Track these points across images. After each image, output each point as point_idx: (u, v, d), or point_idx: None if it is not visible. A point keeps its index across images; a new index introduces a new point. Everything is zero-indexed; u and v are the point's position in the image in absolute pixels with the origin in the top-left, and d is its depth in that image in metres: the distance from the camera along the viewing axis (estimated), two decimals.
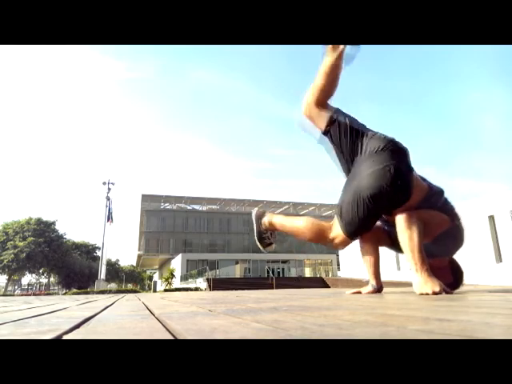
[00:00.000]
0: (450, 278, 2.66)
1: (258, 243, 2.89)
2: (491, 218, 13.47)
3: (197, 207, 51.03)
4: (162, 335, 0.74)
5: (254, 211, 2.93)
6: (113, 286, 55.62)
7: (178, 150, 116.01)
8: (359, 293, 2.76)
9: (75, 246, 54.75)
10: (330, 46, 2.30)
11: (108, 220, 30.10)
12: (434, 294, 2.03)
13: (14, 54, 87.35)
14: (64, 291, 42.85)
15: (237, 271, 38.32)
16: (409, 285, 2.84)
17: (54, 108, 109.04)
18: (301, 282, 25.56)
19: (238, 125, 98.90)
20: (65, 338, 0.75)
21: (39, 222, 47.59)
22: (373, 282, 2.73)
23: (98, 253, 47.72)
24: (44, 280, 57.93)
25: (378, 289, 2.74)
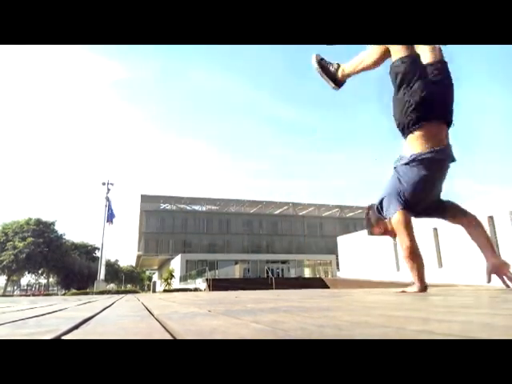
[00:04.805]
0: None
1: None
2: (490, 218, 13.48)
3: (196, 208, 50.98)
4: (162, 335, 0.74)
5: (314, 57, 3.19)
6: (112, 286, 55.57)
7: (177, 150, 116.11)
8: (404, 292, 2.81)
9: (74, 246, 54.65)
10: None
11: (108, 221, 30.08)
12: None
13: (13, 55, 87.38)
14: (63, 292, 42.78)
15: (236, 272, 38.26)
16: (408, 285, 2.85)
17: (54, 109, 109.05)
18: (300, 283, 25.53)
19: (236, 125, 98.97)
20: (64, 338, 0.75)
21: (38, 222, 47.50)
22: (418, 284, 2.75)
23: (98, 253, 47.63)
24: (43, 280, 57.90)
25: (423, 289, 2.77)
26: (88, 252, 56.58)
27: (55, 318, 1.30)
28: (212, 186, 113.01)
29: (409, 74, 2.61)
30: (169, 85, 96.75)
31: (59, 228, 69.52)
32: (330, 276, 34.07)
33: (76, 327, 0.94)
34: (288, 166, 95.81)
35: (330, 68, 3.09)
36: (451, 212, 3.01)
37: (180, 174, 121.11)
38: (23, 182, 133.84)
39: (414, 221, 2.86)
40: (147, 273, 65.42)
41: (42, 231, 46.89)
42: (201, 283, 28.89)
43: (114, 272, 63.49)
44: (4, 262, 42.56)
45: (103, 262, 29.64)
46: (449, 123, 2.73)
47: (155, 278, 58.58)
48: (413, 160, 2.67)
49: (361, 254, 21.35)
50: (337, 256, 27.94)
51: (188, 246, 46.13)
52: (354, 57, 2.97)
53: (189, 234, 47.37)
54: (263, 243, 49.13)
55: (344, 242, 24.55)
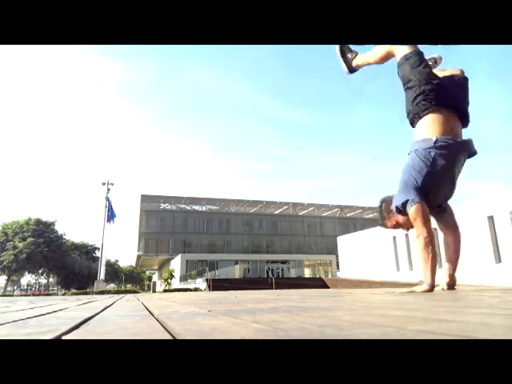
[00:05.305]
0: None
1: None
2: (490, 218, 13.48)
3: (196, 207, 50.95)
4: (162, 335, 0.74)
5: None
6: (112, 286, 55.61)
7: (177, 150, 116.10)
8: (412, 292, 2.76)
9: (74, 246, 54.63)
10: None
11: (108, 221, 30.06)
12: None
13: (13, 54, 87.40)
14: (63, 291, 42.83)
15: (236, 272, 38.23)
16: (408, 285, 2.85)
17: (54, 109, 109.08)
18: (300, 283, 25.54)
19: (236, 126, 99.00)
20: (64, 338, 0.75)
21: (38, 222, 47.47)
22: (428, 281, 2.73)
23: (98, 253, 47.67)
24: (43, 280, 57.90)
25: (432, 288, 2.73)
26: (88, 252, 56.57)
27: (55, 318, 1.30)
28: (212, 186, 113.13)
29: (415, 67, 2.73)
30: (169, 85, 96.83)
31: (59, 228, 69.60)
32: (330, 276, 34.06)
33: (76, 327, 0.94)
34: (288, 166, 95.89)
35: (348, 55, 3.22)
36: (447, 219, 2.99)
37: (180, 174, 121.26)
38: (23, 182, 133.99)
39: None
40: (147, 273, 65.42)
41: (42, 231, 46.86)
42: (201, 283, 28.89)
43: (114, 272, 63.47)
44: (4, 263, 42.53)
45: (103, 262, 29.62)
46: (462, 116, 2.78)
47: (155, 278, 58.58)
48: (423, 148, 2.69)
49: (361, 254, 21.35)
50: (337, 256, 27.93)
51: (188, 246, 46.12)
52: (368, 52, 3.15)
53: (189, 233, 47.35)
54: (263, 243, 49.11)
55: (344, 242, 24.55)
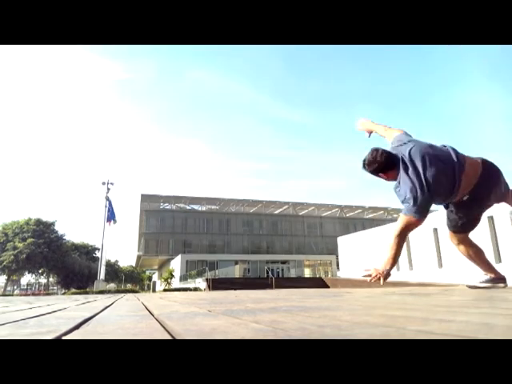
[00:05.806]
0: None
1: None
2: (490, 218, 13.47)
3: (196, 207, 50.91)
4: (162, 335, 0.74)
5: None
6: (112, 286, 55.61)
7: (177, 150, 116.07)
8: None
9: (74, 246, 54.66)
10: None
11: (109, 221, 30.03)
12: None
13: (13, 54, 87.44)
14: (63, 291, 42.84)
15: (236, 272, 38.18)
16: (408, 285, 2.84)
17: (54, 109, 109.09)
18: (300, 283, 25.52)
19: (236, 126, 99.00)
20: (64, 338, 0.75)
21: (38, 222, 47.47)
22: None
23: (98, 253, 47.71)
24: (43, 280, 57.90)
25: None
26: (88, 252, 56.61)
27: (55, 318, 1.30)
28: (212, 186, 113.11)
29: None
30: (169, 85, 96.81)
31: (59, 228, 69.66)
32: (330, 276, 34.05)
33: (76, 327, 0.94)
34: (288, 166, 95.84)
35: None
36: None
37: (180, 174, 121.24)
38: (23, 182, 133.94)
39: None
40: (147, 273, 65.40)
41: (42, 231, 46.86)
42: (201, 282, 28.88)
43: (114, 272, 63.50)
44: (4, 263, 42.53)
45: (103, 262, 29.62)
46: None
47: (155, 277, 58.58)
48: None
49: (361, 254, 21.33)
50: (337, 256, 27.90)
51: (188, 246, 46.10)
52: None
53: (189, 234, 47.33)
54: (263, 243, 49.08)
55: (344, 242, 24.52)
